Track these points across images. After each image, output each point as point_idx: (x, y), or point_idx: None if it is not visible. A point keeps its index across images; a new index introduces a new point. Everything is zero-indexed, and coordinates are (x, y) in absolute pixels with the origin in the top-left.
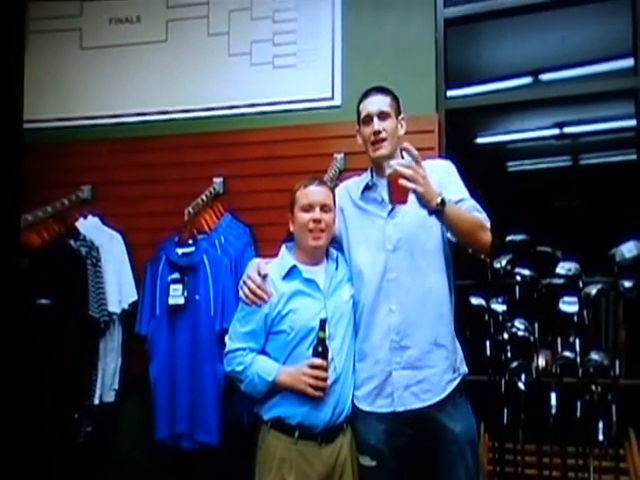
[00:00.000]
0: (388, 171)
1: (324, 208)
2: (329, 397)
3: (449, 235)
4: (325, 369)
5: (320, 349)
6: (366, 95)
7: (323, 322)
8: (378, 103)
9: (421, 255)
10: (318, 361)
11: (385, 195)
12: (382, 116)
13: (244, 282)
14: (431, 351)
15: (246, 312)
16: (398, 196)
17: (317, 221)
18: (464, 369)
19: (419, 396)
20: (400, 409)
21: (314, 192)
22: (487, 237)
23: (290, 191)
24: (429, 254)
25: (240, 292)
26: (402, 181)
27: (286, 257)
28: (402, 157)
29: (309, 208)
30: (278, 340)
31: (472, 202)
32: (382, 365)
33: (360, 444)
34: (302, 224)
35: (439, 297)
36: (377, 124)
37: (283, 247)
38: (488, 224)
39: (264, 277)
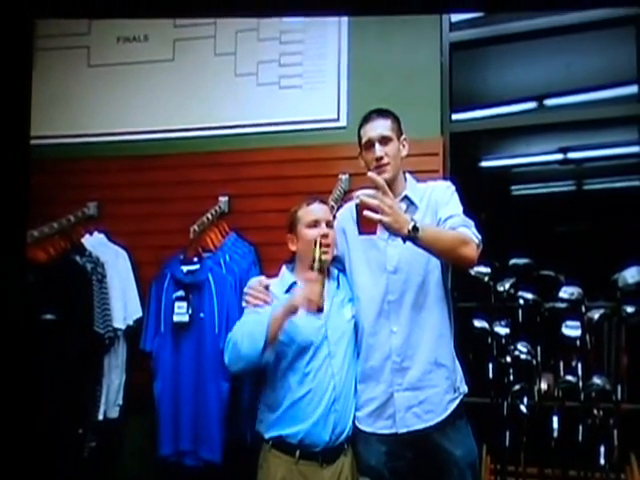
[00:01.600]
0: (355, 201)
1: (329, 224)
2: (330, 416)
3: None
4: (321, 285)
5: (315, 265)
6: (367, 120)
7: (321, 240)
8: (379, 128)
9: (422, 276)
10: (313, 274)
11: None
12: (384, 141)
13: (246, 291)
14: (432, 371)
15: (249, 311)
16: (366, 227)
17: (325, 236)
18: (464, 388)
19: (421, 417)
20: (402, 430)
21: (319, 209)
22: (470, 251)
23: None
24: (429, 275)
25: (243, 302)
26: (366, 212)
27: (287, 275)
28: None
29: (315, 224)
30: (277, 354)
31: (462, 218)
32: (383, 387)
33: (360, 465)
34: (310, 240)
35: (439, 317)
36: (379, 150)
37: (284, 267)
38: (475, 238)
39: (266, 287)
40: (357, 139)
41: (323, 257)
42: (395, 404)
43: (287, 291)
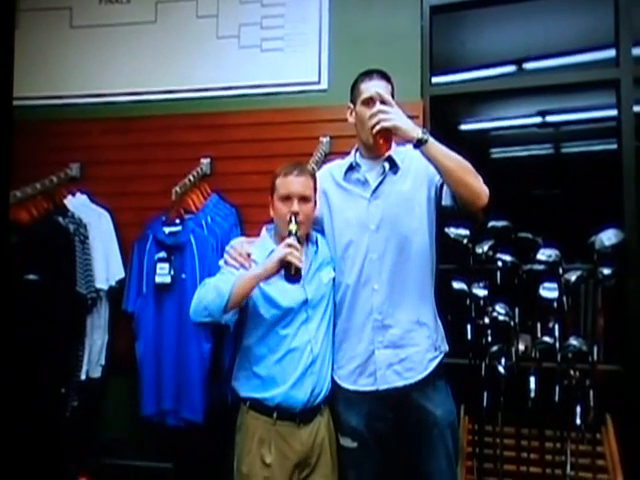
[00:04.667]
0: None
1: (303, 199)
2: (307, 378)
3: (441, 177)
4: (299, 250)
5: (293, 230)
6: (369, 77)
7: (295, 215)
8: (382, 89)
9: (404, 235)
10: (291, 239)
11: (368, 176)
12: (383, 102)
13: (227, 250)
14: (413, 330)
15: (226, 270)
16: (381, 146)
17: (295, 214)
18: (445, 347)
19: (401, 374)
20: (383, 387)
21: (293, 183)
22: (480, 183)
23: None
24: (412, 234)
25: (221, 260)
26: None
27: (267, 240)
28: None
29: (287, 199)
30: (255, 318)
31: None
32: (365, 344)
33: (341, 426)
34: (280, 215)
35: (421, 276)
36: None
37: (264, 229)
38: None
39: (248, 255)
40: (350, 93)
41: (298, 233)
42: (376, 361)
43: (268, 257)
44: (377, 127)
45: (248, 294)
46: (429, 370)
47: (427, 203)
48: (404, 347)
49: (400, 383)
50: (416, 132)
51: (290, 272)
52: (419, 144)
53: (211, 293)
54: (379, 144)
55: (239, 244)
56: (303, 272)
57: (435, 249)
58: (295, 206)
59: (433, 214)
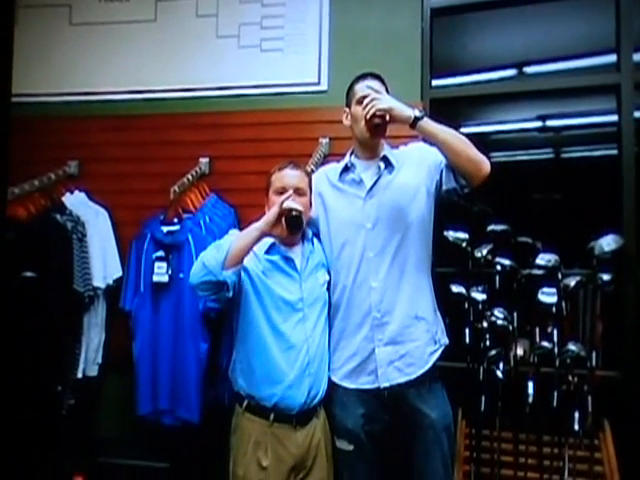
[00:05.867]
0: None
1: (298, 192)
2: (305, 379)
3: (441, 151)
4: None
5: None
6: (362, 78)
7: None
8: (375, 87)
9: (400, 232)
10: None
11: (363, 176)
12: None
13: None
14: (412, 325)
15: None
16: (376, 132)
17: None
18: (445, 340)
19: (403, 370)
20: (385, 385)
21: (288, 175)
22: (481, 156)
23: None
24: (408, 231)
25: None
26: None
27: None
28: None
29: (283, 192)
30: (253, 310)
31: None
32: (364, 343)
33: (338, 428)
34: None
35: (419, 270)
36: None
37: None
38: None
39: None
40: (345, 97)
41: (299, 208)
42: (377, 359)
43: (267, 252)
44: (372, 110)
45: (249, 247)
46: (430, 364)
47: (426, 195)
48: (403, 343)
49: (402, 379)
50: (411, 111)
51: (291, 217)
52: (415, 122)
53: (211, 250)
54: (374, 130)
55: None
56: (299, 268)
57: (432, 242)
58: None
59: (432, 206)
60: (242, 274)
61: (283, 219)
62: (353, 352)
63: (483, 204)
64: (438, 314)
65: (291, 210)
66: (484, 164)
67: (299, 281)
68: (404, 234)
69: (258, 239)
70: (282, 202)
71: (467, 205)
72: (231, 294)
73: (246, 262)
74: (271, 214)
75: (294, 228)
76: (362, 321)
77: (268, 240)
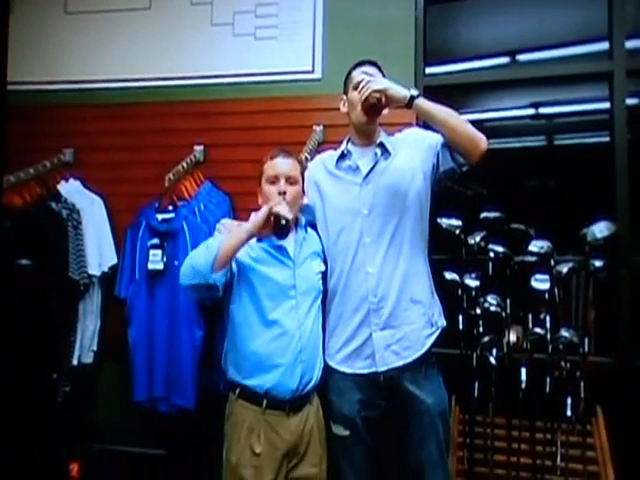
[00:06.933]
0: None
1: (289, 180)
2: (297, 365)
3: (439, 129)
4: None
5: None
6: (359, 65)
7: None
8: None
9: (396, 216)
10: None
11: (359, 162)
12: None
13: (218, 228)
14: (408, 308)
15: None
16: (372, 115)
17: (282, 193)
18: (442, 322)
19: (400, 354)
20: (382, 369)
21: (280, 164)
22: (476, 131)
23: None
24: (405, 215)
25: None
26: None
27: None
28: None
29: (275, 180)
30: (245, 297)
31: None
32: (361, 327)
33: (333, 413)
34: (268, 196)
35: (414, 254)
36: None
37: (252, 215)
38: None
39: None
40: (343, 84)
41: (288, 215)
42: (374, 343)
43: (259, 240)
44: (367, 92)
45: (237, 248)
46: (427, 346)
47: (423, 179)
48: (400, 327)
49: (399, 362)
50: (406, 91)
51: (278, 223)
52: (412, 101)
53: (200, 253)
54: (370, 112)
55: (229, 223)
56: (292, 255)
57: (428, 228)
58: (282, 185)
59: (428, 190)
60: (233, 264)
61: (272, 221)
62: (350, 337)
63: (477, 186)
64: (435, 296)
65: (279, 217)
66: (481, 140)
67: (292, 268)
68: (400, 219)
69: (246, 241)
70: (271, 207)
71: (461, 189)
72: (221, 294)
73: None
74: (260, 216)
75: (281, 234)
76: (358, 306)
77: None
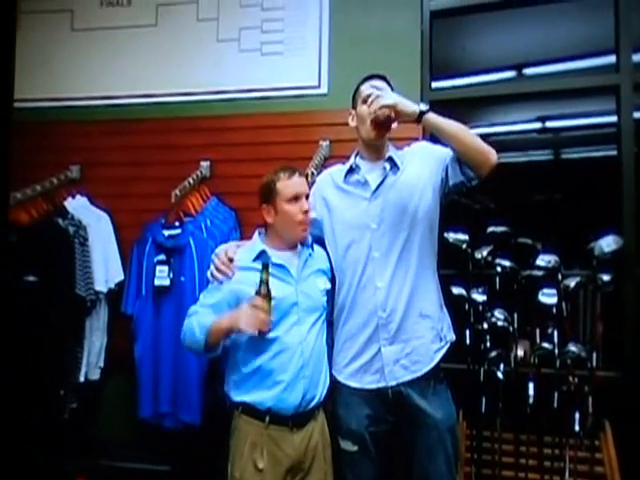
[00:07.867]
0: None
1: (307, 198)
2: (299, 382)
3: (448, 144)
4: (266, 311)
5: (261, 290)
6: (368, 79)
7: (265, 265)
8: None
9: (406, 231)
10: (258, 300)
11: (368, 177)
12: None
13: (212, 260)
14: (417, 323)
15: (213, 287)
16: (380, 130)
17: (306, 212)
18: (452, 336)
19: (408, 368)
20: (392, 383)
21: (299, 183)
22: (485, 145)
23: None
24: (414, 229)
25: (208, 272)
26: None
27: (257, 242)
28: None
29: (297, 199)
30: None
31: None
32: (370, 342)
33: (341, 428)
34: (291, 216)
35: (424, 268)
36: None
37: (256, 232)
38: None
39: (230, 260)
40: (351, 99)
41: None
42: (383, 358)
43: (255, 259)
44: (376, 106)
45: (223, 340)
46: (435, 361)
47: (432, 192)
48: (409, 341)
49: (408, 377)
50: (416, 106)
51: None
52: (421, 116)
53: (191, 335)
54: (379, 127)
55: (222, 252)
56: (294, 273)
57: (437, 241)
58: (305, 204)
59: (437, 203)
60: (234, 286)
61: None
62: (358, 351)
63: (485, 199)
64: (444, 310)
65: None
66: (491, 153)
67: (294, 285)
68: (409, 233)
69: (230, 334)
70: (248, 321)
71: (469, 202)
72: (220, 352)
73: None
74: (239, 325)
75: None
76: (367, 321)
77: (258, 246)
